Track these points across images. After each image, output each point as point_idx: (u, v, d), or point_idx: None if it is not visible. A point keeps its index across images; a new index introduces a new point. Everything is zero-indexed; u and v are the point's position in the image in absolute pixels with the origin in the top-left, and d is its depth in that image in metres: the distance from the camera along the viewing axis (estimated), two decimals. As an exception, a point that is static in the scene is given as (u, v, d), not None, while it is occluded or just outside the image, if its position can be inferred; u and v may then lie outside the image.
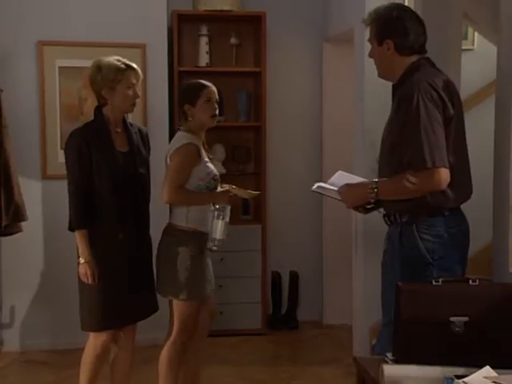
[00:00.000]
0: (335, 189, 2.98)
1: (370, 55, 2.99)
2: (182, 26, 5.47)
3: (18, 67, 5.02)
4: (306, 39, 5.76)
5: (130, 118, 3.96)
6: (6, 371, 4.75)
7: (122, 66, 3.54)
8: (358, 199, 2.90)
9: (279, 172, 5.77)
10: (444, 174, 2.72)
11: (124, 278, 3.58)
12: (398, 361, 2.38)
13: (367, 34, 2.99)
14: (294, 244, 5.81)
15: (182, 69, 5.36)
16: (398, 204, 2.85)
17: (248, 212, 5.69)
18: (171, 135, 5.30)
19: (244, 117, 5.62)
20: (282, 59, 5.74)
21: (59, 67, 5.05)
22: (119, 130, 3.62)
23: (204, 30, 5.46)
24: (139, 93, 3.65)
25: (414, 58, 2.90)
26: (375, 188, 2.79)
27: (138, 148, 3.64)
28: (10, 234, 3.91)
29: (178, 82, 5.34)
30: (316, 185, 3.10)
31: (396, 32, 2.85)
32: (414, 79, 2.81)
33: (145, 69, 5.10)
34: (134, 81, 3.58)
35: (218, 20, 5.49)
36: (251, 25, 5.58)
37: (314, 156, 5.73)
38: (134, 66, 3.60)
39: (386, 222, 2.97)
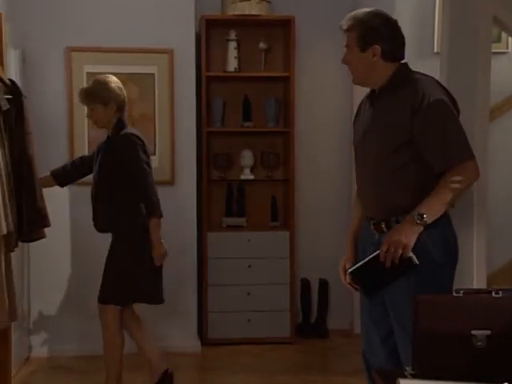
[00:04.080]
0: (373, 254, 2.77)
1: (345, 61, 2.92)
2: (211, 30, 5.43)
3: (47, 73, 5.04)
4: (336, 43, 5.62)
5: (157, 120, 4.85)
6: (33, 377, 4.75)
7: None
8: (411, 235, 2.67)
9: (308, 178, 5.71)
10: (477, 164, 2.75)
11: None
12: (416, 375, 2.29)
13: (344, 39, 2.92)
14: (324, 251, 5.72)
15: (209, 74, 5.33)
16: (400, 208, 2.77)
17: (276, 218, 5.62)
18: (199, 140, 5.29)
19: (273, 122, 5.56)
20: (311, 63, 5.68)
21: (87, 73, 5.04)
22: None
23: (232, 34, 5.42)
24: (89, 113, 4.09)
25: (397, 64, 2.88)
26: (423, 216, 2.66)
27: (106, 157, 4.00)
28: (33, 240, 3.91)
29: (206, 88, 5.31)
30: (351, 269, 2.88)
31: (383, 37, 2.83)
32: (421, 80, 2.81)
33: (172, 74, 5.11)
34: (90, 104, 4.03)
35: (246, 25, 5.45)
36: (280, 29, 5.53)
37: (343, 161, 5.64)
38: (79, 91, 4.09)
39: (382, 230, 2.84)
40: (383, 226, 2.83)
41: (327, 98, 5.76)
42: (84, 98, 4.02)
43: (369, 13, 2.88)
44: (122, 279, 4.01)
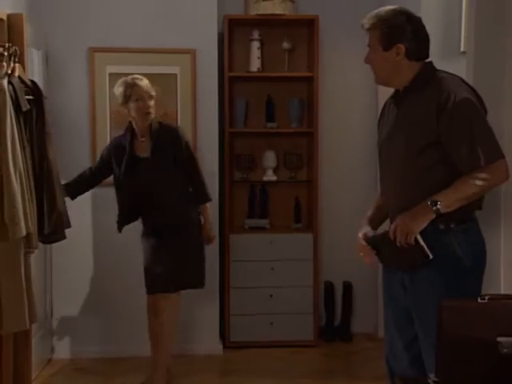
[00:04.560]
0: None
1: (368, 61, 2.89)
2: (234, 30, 5.40)
3: (69, 73, 5.03)
4: (361, 42, 5.55)
5: (180, 121, 4.99)
6: (55, 379, 4.74)
7: (131, 81, 4.23)
8: (420, 221, 2.65)
9: (332, 179, 5.64)
10: (507, 164, 2.68)
11: (147, 257, 4.35)
12: (439, 383, 2.23)
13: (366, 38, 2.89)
14: (348, 254, 5.59)
15: (232, 74, 5.28)
16: None
17: (300, 220, 5.56)
18: (221, 140, 5.25)
19: (296, 123, 5.50)
20: (335, 63, 5.62)
21: (109, 73, 5.02)
22: (143, 139, 4.30)
23: (256, 34, 5.37)
24: (149, 104, 4.27)
25: (421, 63, 2.83)
26: (437, 202, 2.62)
27: (158, 154, 4.24)
28: (53, 241, 3.89)
29: (229, 88, 5.27)
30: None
31: (407, 36, 2.78)
32: (446, 79, 2.75)
33: (195, 74, 5.08)
34: (143, 94, 4.22)
35: (269, 24, 5.39)
36: (304, 29, 5.46)
37: (368, 162, 5.56)
38: (141, 82, 4.24)
39: None
40: None
41: (351, 98, 5.69)
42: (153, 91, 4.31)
43: (392, 11, 2.82)
44: (199, 264, 4.37)
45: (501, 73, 3.29)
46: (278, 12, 5.22)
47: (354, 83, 5.66)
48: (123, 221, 4.35)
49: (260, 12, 5.22)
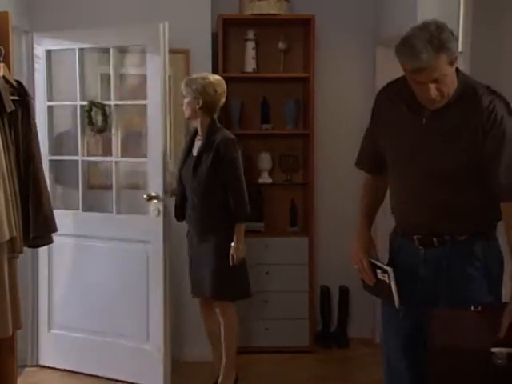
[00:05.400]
0: None
1: (445, 93, 2.59)
2: (228, 30, 5.33)
3: (61, 74, 4.94)
4: (358, 42, 5.52)
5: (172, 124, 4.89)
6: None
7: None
8: None
9: (328, 181, 5.56)
10: None
11: (190, 260, 4.46)
12: (431, 395, 2.15)
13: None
14: (344, 257, 5.50)
15: (226, 75, 5.18)
16: (454, 228, 2.66)
17: (295, 223, 5.48)
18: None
19: (292, 124, 5.43)
20: (332, 64, 5.53)
21: (101, 74, 4.95)
22: (199, 138, 4.36)
23: (251, 34, 5.30)
24: (184, 101, 4.36)
25: None
26: None
27: (201, 155, 4.25)
28: (39, 245, 3.82)
29: (223, 89, 5.19)
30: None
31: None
32: (487, 95, 2.60)
33: (188, 75, 4.97)
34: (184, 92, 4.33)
35: (265, 24, 5.31)
36: (299, 29, 5.39)
37: (365, 165, 5.49)
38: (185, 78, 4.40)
39: (433, 244, 2.70)
40: (434, 240, 2.69)
41: (348, 99, 5.60)
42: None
43: (436, 29, 2.51)
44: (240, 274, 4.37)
45: (497, 72, 3.26)
46: (273, 12, 5.15)
47: (350, 84, 5.59)
48: (176, 212, 4.43)
49: (255, 12, 5.15)
